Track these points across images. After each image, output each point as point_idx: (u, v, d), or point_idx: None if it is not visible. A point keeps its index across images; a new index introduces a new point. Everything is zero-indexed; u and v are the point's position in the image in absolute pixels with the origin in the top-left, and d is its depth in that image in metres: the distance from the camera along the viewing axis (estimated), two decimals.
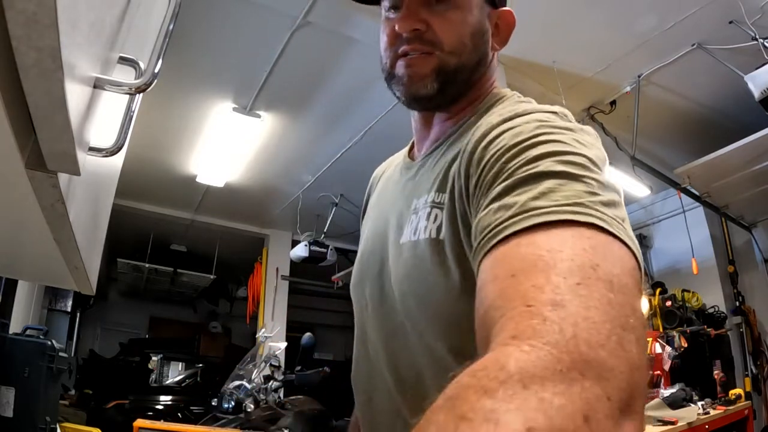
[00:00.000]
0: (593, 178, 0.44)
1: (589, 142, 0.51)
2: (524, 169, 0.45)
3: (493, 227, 0.42)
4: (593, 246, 0.37)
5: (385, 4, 0.67)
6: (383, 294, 0.68)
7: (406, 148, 0.79)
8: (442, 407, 0.28)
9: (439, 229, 0.58)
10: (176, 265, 6.55)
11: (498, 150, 0.50)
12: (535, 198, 0.41)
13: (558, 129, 0.50)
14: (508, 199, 0.43)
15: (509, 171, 0.46)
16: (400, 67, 0.65)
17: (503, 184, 0.45)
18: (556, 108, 0.58)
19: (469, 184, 0.53)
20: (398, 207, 0.69)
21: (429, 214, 0.60)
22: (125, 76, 0.58)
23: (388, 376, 0.66)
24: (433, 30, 0.63)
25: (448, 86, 0.64)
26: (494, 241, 0.41)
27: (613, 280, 0.35)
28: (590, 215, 0.39)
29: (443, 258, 0.57)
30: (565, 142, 0.47)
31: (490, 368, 0.28)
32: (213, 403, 3.41)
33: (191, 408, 5.13)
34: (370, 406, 0.70)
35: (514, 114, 0.56)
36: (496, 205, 0.43)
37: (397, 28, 0.63)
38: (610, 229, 0.39)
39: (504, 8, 0.71)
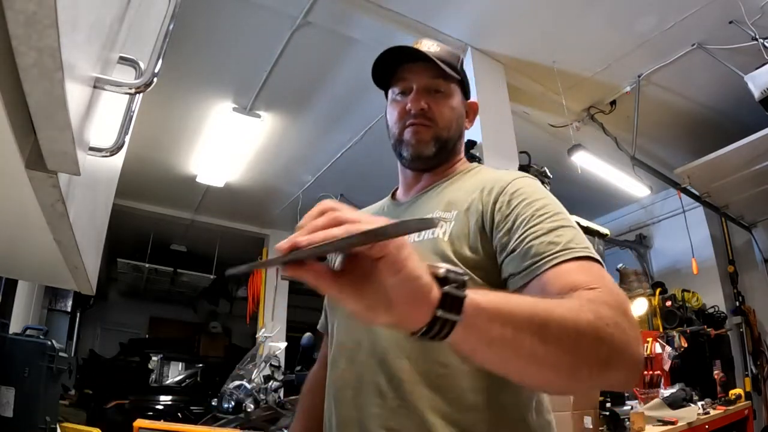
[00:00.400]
0: (581, 231, 0.74)
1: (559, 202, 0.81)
2: (554, 218, 0.72)
3: (551, 253, 0.67)
4: (599, 269, 0.67)
5: (396, 90, 0.92)
6: None
7: (387, 197, 1.02)
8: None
9: (444, 233, 0.79)
10: (176, 265, 6.55)
11: (523, 199, 0.76)
12: (570, 241, 0.69)
13: (548, 193, 0.80)
14: (554, 238, 0.69)
15: (542, 217, 0.72)
16: (408, 134, 0.89)
17: (544, 225, 0.71)
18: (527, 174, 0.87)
19: (493, 209, 0.78)
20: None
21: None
22: (125, 76, 0.58)
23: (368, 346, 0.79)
24: (432, 111, 0.88)
25: (441, 151, 0.90)
26: (558, 260, 0.66)
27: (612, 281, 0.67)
28: (591, 253, 0.69)
29: (439, 249, 0.78)
30: (558, 203, 0.78)
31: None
32: (213, 403, 3.41)
33: (191, 408, 5.13)
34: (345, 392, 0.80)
35: (515, 177, 0.82)
36: (546, 239, 0.69)
37: (409, 107, 0.88)
38: (598, 259, 0.69)
39: (474, 100, 0.99)
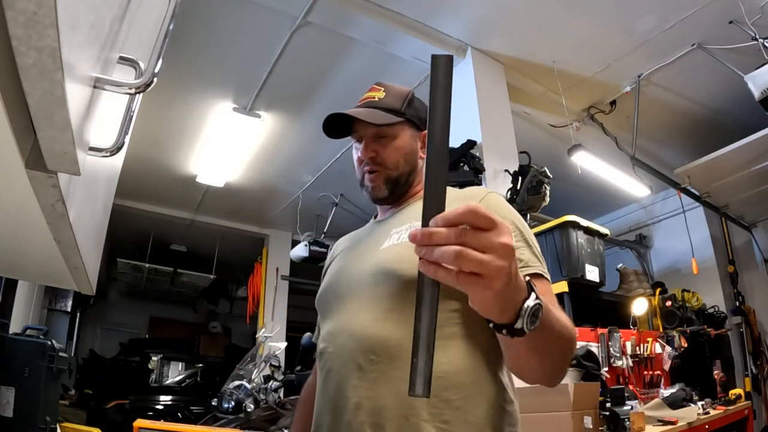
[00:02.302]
0: (538, 248, 0.89)
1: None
2: (517, 237, 0.83)
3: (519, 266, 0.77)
4: (550, 287, 0.86)
5: (353, 139, 1.04)
6: (360, 286, 0.93)
7: (371, 220, 1.14)
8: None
9: None
10: (176, 265, 6.55)
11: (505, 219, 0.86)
12: (529, 260, 0.84)
13: (516, 212, 0.93)
14: (518, 255, 0.77)
15: (520, 245, 0.85)
16: (367, 181, 1.01)
17: (518, 250, 0.80)
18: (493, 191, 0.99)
19: None
20: (375, 239, 1.00)
21: (410, 230, 0.88)
22: (125, 76, 0.58)
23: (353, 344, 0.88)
24: (380, 156, 1.00)
25: (395, 188, 1.02)
26: (525, 272, 0.79)
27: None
28: (544, 272, 0.85)
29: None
30: (524, 222, 0.91)
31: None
32: (213, 403, 3.41)
33: (191, 408, 5.13)
34: (329, 376, 0.90)
35: (486, 192, 0.94)
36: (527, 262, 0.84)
37: (361, 156, 1.01)
38: (548, 278, 0.87)
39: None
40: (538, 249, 0.89)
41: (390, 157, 1.00)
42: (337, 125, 1.04)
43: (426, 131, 0.96)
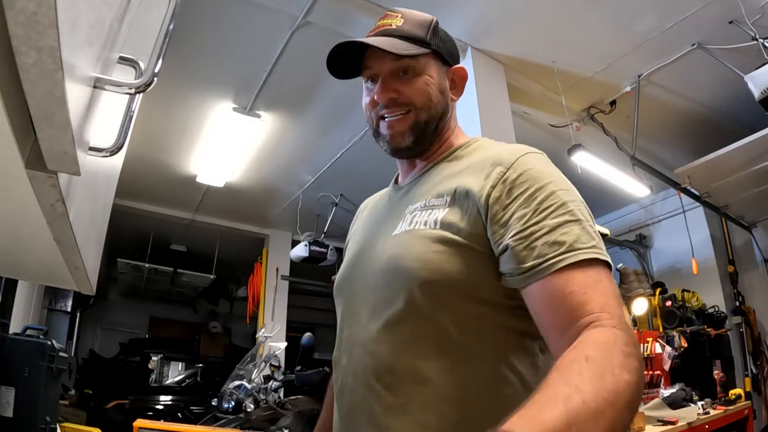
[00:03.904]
0: (590, 221, 0.69)
1: (569, 183, 0.74)
2: (559, 212, 0.67)
3: (553, 255, 0.64)
4: (604, 279, 0.63)
5: (365, 78, 0.86)
6: (372, 278, 0.80)
7: (392, 182, 0.97)
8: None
9: (435, 221, 0.74)
10: (176, 265, 6.55)
11: (527, 189, 0.69)
12: (576, 240, 0.64)
13: (561, 177, 0.74)
14: (558, 236, 0.65)
15: (548, 212, 0.67)
16: (383, 128, 0.83)
17: (551, 221, 0.66)
18: (536, 149, 0.79)
19: (492, 198, 0.71)
20: (390, 217, 0.84)
21: (424, 212, 0.77)
22: (125, 76, 0.58)
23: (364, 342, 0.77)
24: (403, 94, 0.81)
25: (422, 137, 0.83)
26: (562, 264, 0.63)
27: (618, 300, 0.63)
28: (598, 253, 0.64)
29: (436, 238, 0.73)
30: (569, 189, 0.71)
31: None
32: (213, 403, 3.41)
33: (191, 408, 5.13)
34: (343, 392, 0.79)
35: (521, 153, 0.75)
36: (549, 238, 0.65)
37: (376, 98, 0.82)
38: (608, 260, 0.66)
39: (457, 65, 0.89)
40: (592, 223, 0.69)
41: (418, 96, 0.81)
42: (344, 62, 0.84)
43: (457, 67, 0.88)
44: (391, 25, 0.83)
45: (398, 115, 0.81)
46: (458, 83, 0.89)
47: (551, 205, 0.67)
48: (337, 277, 0.90)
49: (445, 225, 0.72)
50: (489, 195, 0.70)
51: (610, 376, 0.50)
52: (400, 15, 0.84)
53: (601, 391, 0.48)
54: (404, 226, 0.77)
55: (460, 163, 0.81)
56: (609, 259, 0.65)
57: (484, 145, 0.85)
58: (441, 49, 0.85)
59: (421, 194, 0.81)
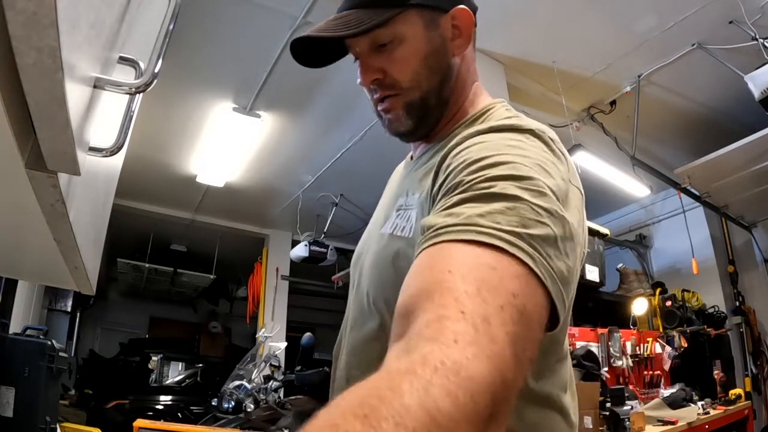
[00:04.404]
0: (543, 207, 0.48)
1: (553, 171, 0.54)
2: (482, 186, 0.50)
3: (438, 228, 0.47)
4: (513, 276, 0.42)
5: (351, 57, 0.72)
6: (359, 278, 0.73)
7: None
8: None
9: (410, 230, 0.63)
10: (176, 265, 6.55)
11: (463, 161, 0.54)
12: (481, 215, 0.46)
13: (523, 154, 0.54)
14: (459, 209, 0.48)
15: (468, 184, 0.51)
16: (381, 112, 0.71)
17: (459, 196, 0.50)
18: (534, 125, 0.60)
19: (435, 186, 0.58)
20: (389, 204, 0.74)
21: (404, 213, 0.67)
22: (125, 76, 0.58)
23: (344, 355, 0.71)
24: (389, 74, 0.68)
25: (424, 117, 0.69)
26: (438, 239, 0.46)
27: (517, 309, 0.40)
28: (520, 248, 0.44)
29: (406, 254, 0.61)
30: (526, 166, 0.51)
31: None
32: (213, 403, 3.41)
33: (191, 408, 5.13)
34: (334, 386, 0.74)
35: (488, 128, 0.60)
36: (448, 210, 0.48)
37: (360, 82, 0.70)
38: (534, 268, 0.44)
39: (457, 7, 0.70)
40: (535, 197, 0.48)
41: (403, 73, 0.67)
42: (323, 47, 0.72)
43: (457, 9, 0.67)
44: None
45: (388, 97, 0.69)
46: (463, 30, 0.70)
47: (481, 177, 0.51)
48: (354, 256, 0.81)
49: (417, 232, 0.60)
50: (434, 182, 0.59)
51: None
52: None
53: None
54: (388, 226, 0.68)
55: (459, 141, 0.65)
56: (525, 250, 0.44)
57: (494, 114, 0.69)
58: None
59: (409, 185, 0.70)
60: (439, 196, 0.54)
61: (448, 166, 0.56)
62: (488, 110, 0.71)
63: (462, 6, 0.70)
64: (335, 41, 0.69)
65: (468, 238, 0.44)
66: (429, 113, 0.70)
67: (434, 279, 0.42)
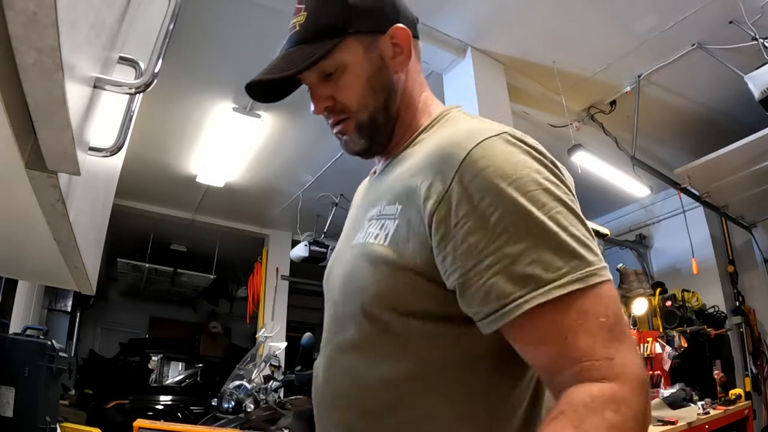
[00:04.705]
0: (569, 222, 0.55)
1: (550, 178, 0.58)
2: (521, 233, 0.53)
3: (518, 296, 0.52)
4: (594, 302, 0.52)
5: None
6: (332, 292, 0.74)
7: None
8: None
9: (386, 237, 0.64)
10: (176, 265, 6.55)
11: (479, 201, 0.55)
12: (546, 270, 0.52)
13: (520, 166, 0.57)
14: (524, 268, 0.52)
15: (508, 235, 0.53)
16: (337, 135, 0.75)
17: (504, 252, 0.53)
18: (503, 129, 0.62)
19: (436, 214, 0.58)
20: (358, 217, 0.76)
21: (377, 222, 0.67)
22: (125, 76, 0.58)
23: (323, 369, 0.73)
24: (338, 100, 0.72)
25: (375, 134, 0.74)
26: (527, 307, 0.52)
27: (620, 321, 0.53)
28: (583, 279, 0.52)
29: (385, 260, 0.63)
30: (532, 189, 0.55)
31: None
32: (213, 403, 3.41)
33: (191, 408, 5.13)
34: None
35: (466, 151, 0.58)
36: (509, 274, 0.53)
37: (313, 111, 0.75)
38: (599, 280, 0.53)
39: (395, 26, 0.74)
40: (572, 225, 0.54)
41: (350, 98, 0.71)
42: (278, 83, 0.77)
43: (394, 28, 0.73)
44: (296, 26, 0.75)
45: (340, 121, 0.74)
46: (403, 47, 0.74)
47: (511, 223, 0.53)
48: (326, 271, 0.82)
49: (394, 241, 0.62)
50: (433, 213, 0.58)
51: None
52: (303, 7, 0.74)
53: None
54: (361, 237, 0.69)
55: (420, 152, 0.68)
56: (597, 274, 0.52)
57: (451, 119, 0.73)
58: (362, 23, 0.71)
59: (378, 196, 0.71)
60: (453, 224, 0.56)
61: (450, 203, 0.57)
62: (444, 116, 0.74)
63: (399, 24, 0.74)
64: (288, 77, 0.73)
65: (551, 297, 0.52)
66: (379, 130, 0.74)
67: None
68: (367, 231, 0.67)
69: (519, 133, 0.61)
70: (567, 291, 0.51)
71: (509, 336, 0.55)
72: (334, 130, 0.75)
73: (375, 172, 0.83)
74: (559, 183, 0.58)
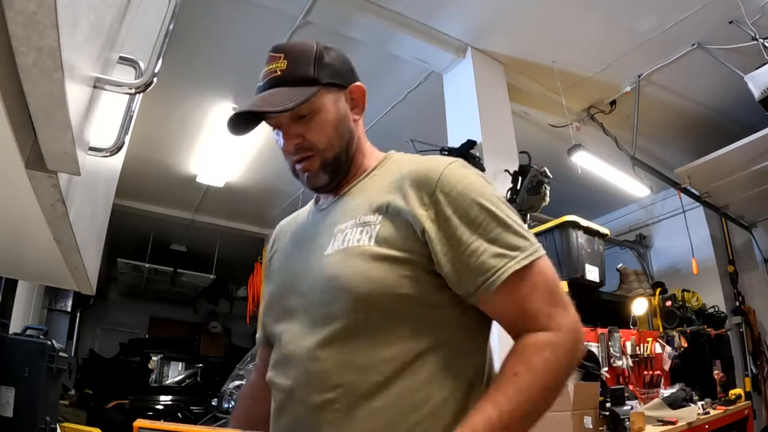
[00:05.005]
0: (512, 216, 0.77)
1: (495, 190, 0.80)
2: (491, 223, 0.75)
3: (498, 268, 0.72)
4: (544, 277, 0.75)
5: (270, 126, 0.87)
6: (306, 300, 0.82)
7: (311, 203, 1.02)
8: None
9: (370, 238, 0.77)
10: (176, 265, 6.56)
11: (458, 206, 0.75)
12: (511, 247, 0.74)
13: (478, 182, 0.79)
14: (497, 249, 0.73)
15: (483, 225, 0.74)
16: (300, 170, 0.86)
17: (482, 239, 0.74)
18: (455, 159, 0.82)
19: (426, 216, 0.76)
20: (317, 237, 0.86)
21: (356, 230, 0.79)
22: (125, 76, 0.58)
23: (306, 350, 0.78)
24: (306, 138, 0.83)
25: (336, 171, 0.86)
26: (503, 278, 0.72)
27: (557, 287, 0.76)
28: (533, 252, 0.74)
29: (376, 255, 0.76)
30: (490, 195, 0.77)
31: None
32: (213, 403, 3.42)
33: (191, 408, 5.13)
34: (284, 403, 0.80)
35: (438, 171, 0.78)
36: (491, 250, 0.73)
37: (283, 148, 0.86)
38: (542, 253, 0.76)
39: (354, 84, 0.90)
40: (518, 221, 0.76)
41: (319, 138, 0.83)
42: (245, 117, 0.86)
43: (354, 85, 0.90)
44: (276, 71, 0.84)
45: (307, 158, 0.84)
46: (358, 100, 0.90)
47: (482, 220, 0.74)
48: (268, 301, 0.92)
49: (380, 240, 0.76)
50: (423, 216, 0.75)
51: (529, 388, 0.67)
52: (282, 56, 0.85)
53: (522, 404, 0.66)
54: (337, 245, 0.79)
55: (382, 181, 0.84)
56: (538, 251, 0.74)
57: (398, 160, 0.89)
58: (332, 78, 0.86)
59: (348, 213, 0.82)
60: (442, 224, 0.75)
61: (437, 208, 0.76)
62: (389, 158, 0.91)
63: (357, 83, 0.91)
64: (254, 114, 0.84)
65: (517, 268, 0.72)
66: (340, 168, 0.87)
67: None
68: (346, 239, 0.79)
69: (463, 161, 0.82)
70: (528, 261, 0.72)
71: (490, 301, 0.74)
72: (298, 167, 0.86)
73: (317, 201, 0.97)
74: (499, 193, 0.80)
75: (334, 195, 0.90)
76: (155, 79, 0.55)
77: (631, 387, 2.97)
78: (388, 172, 0.85)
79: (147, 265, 6.29)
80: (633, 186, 4.02)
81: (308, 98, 0.81)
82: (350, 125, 0.88)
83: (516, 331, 0.73)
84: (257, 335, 1.01)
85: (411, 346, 0.73)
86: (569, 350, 0.70)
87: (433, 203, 0.75)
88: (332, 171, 0.85)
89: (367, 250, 0.75)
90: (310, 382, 0.74)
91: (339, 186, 0.89)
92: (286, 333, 0.81)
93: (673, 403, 2.78)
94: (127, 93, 0.56)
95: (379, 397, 0.71)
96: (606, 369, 2.91)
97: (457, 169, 0.78)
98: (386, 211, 0.78)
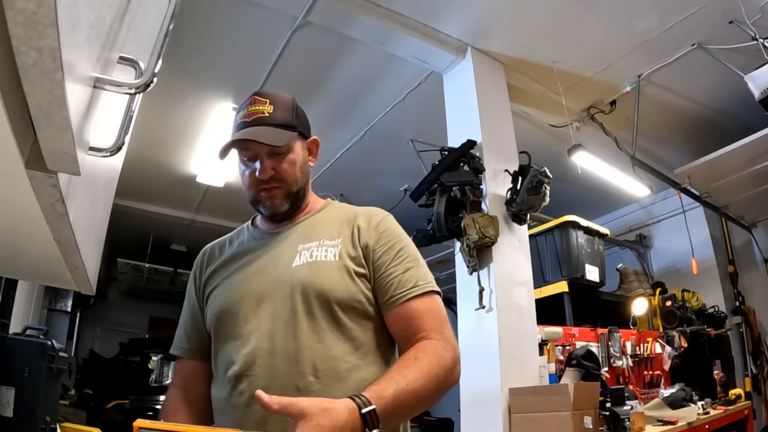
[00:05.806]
0: (423, 262, 1.05)
1: (406, 235, 1.09)
2: (408, 260, 1.01)
3: (406, 289, 0.97)
4: (437, 305, 1.00)
5: (243, 156, 1.06)
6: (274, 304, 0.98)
7: (247, 224, 1.18)
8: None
9: (335, 255, 1.00)
10: (176, 265, 6.55)
11: (389, 241, 1.03)
12: (418, 279, 0.99)
13: (402, 232, 1.08)
14: (408, 276, 0.99)
15: (402, 259, 1.01)
16: (264, 197, 1.04)
17: (399, 266, 1.00)
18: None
19: (372, 242, 1.02)
20: (275, 256, 1.03)
21: (322, 248, 1.01)
22: (125, 76, 0.58)
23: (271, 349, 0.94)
24: (278, 171, 1.03)
25: (294, 202, 1.07)
26: (409, 296, 0.97)
27: (445, 317, 0.99)
28: (432, 287, 1.00)
29: (341, 267, 0.99)
30: (410, 242, 1.06)
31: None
32: None
33: None
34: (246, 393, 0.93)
35: (379, 217, 1.08)
36: (404, 277, 0.98)
37: (258, 176, 1.02)
38: (438, 291, 1.01)
39: (312, 137, 1.14)
40: (423, 262, 1.03)
41: (288, 173, 1.03)
42: (234, 143, 1.04)
43: (313, 138, 1.14)
44: (263, 112, 1.03)
45: (275, 188, 1.03)
46: (314, 151, 1.14)
47: (404, 255, 1.00)
48: (215, 309, 1.03)
49: (343, 257, 0.99)
50: (368, 241, 1.01)
51: (427, 370, 0.85)
52: (268, 101, 1.05)
53: (419, 378, 0.83)
54: (304, 259, 0.99)
55: (334, 218, 1.07)
56: (438, 290, 1.00)
57: (339, 206, 1.14)
58: (302, 128, 1.08)
59: (311, 236, 1.03)
60: (380, 253, 1.01)
61: (379, 239, 1.03)
62: (329, 203, 1.15)
63: (315, 137, 1.15)
64: (234, 143, 1.04)
65: (419, 293, 0.98)
66: (297, 201, 1.07)
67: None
68: (313, 254, 0.99)
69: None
70: (427, 290, 0.97)
71: (397, 314, 0.96)
72: (263, 194, 1.04)
73: (255, 226, 1.16)
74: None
75: (288, 222, 1.09)
76: (155, 79, 0.55)
77: (631, 387, 2.97)
78: (335, 212, 1.10)
79: (147, 265, 6.28)
80: (633, 186, 4.02)
81: (291, 139, 1.03)
82: (308, 168, 1.10)
83: (410, 342, 0.93)
84: (181, 347, 1.19)
85: (366, 338, 0.96)
86: (453, 359, 0.90)
87: (376, 232, 1.02)
88: (291, 202, 1.06)
89: (333, 263, 0.98)
90: (298, 370, 0.89)
91: (292, 216, 1.09)
92: (256, 334, 0.94)
93: (673, 403, 2.78)
94: (127, 93, 0.56)
95: (348, 380, 0.90)
96: (606, 369, 2.91)
97: (389, 218, 1.08)
98: (344, 237, 1.01)
